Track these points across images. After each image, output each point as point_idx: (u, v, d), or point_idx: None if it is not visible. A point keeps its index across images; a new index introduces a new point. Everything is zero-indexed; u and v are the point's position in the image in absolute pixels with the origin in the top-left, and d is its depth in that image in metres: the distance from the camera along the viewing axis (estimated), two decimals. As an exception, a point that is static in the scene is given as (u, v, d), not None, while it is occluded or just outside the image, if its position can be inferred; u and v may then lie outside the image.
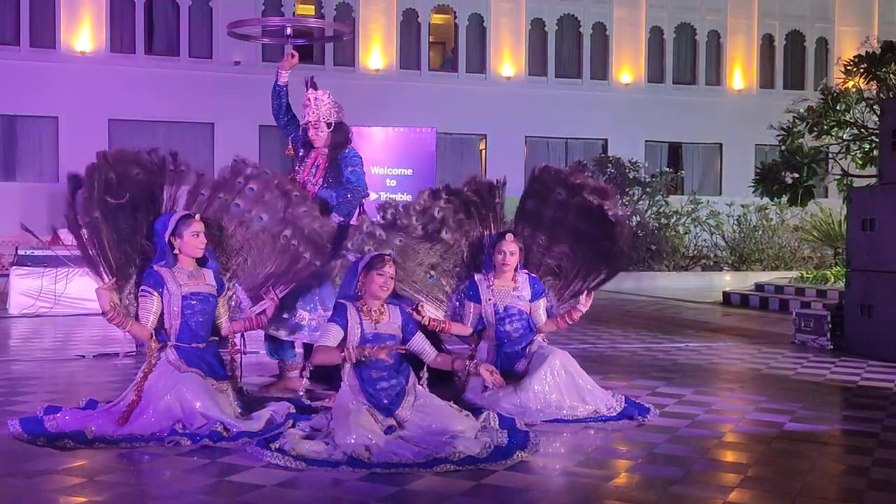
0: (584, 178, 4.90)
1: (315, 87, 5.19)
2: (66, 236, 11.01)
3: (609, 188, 4.91)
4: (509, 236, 4.63)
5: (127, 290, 4.14)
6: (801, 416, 4.58)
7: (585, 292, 4.63)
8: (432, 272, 4.79)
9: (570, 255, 4.83)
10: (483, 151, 19.71)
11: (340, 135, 5.11)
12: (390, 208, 4.84)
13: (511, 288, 4.64)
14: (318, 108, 5.12)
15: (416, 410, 3.88)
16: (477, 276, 4.69)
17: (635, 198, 16.70)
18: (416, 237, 4.77)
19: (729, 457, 3.86)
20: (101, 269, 4.06)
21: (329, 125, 5.07)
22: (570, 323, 4.75)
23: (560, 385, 4.38)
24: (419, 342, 4.10)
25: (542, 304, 4.72)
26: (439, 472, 3.40)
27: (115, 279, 4.03)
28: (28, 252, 9.92)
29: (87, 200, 4.03)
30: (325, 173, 5.02)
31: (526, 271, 4.73)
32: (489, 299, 4.62)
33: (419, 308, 4.38)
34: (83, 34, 17.15)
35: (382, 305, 4.00)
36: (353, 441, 3.57)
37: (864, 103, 9.78)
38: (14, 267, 9.80)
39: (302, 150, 5.17)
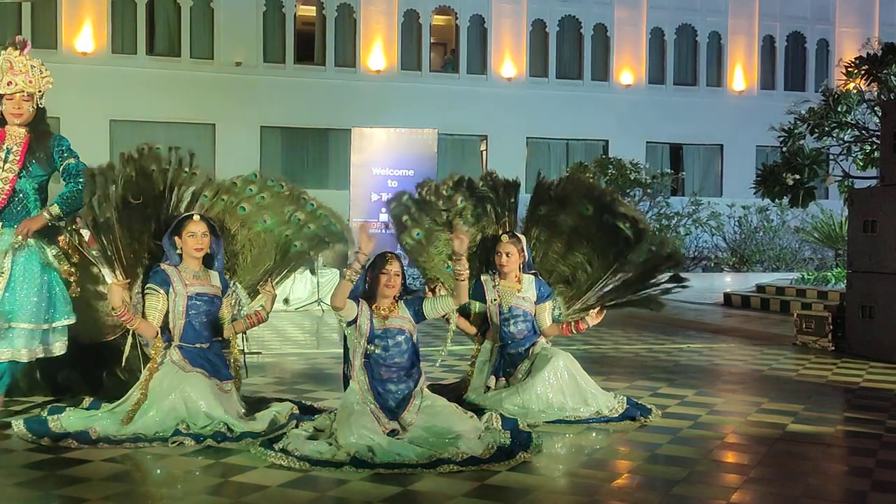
0: (622, 203, 4.89)
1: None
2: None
3: (643, 219, 4.90)
4: (505, 237, 4.64)
5: (135, 290, 4.16)
6: (804, 417, 4.58)
7: (598, 308, 4.63)
8: (449, 262, 4.82)
9: (586, 266, 4.83)
10: (484, 152, 19.73)
11: (44, 120, 4.38)
12: (426, 186, 4.87)
13: (516, 289, 4.65)
14: (37, 77, 4.28)
15: (420, 412, 3.89)
16: (483, 277, 4.71)
17: (636, 199, 16.72)
18: (440, 223, 4.81)
19: (731, 458, 3.87)
20: (115, 267, 4.09)
21: (38, 102, 4.31)
22: (575, 333, 4.77)
23: (562, 386, 4.39)
24: (430, 307, 4.05)
25: (547, 306, 4.73)
26: (443, 473, 3.41)
27: (128, 278, 4.06)
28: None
29: (102, 200, 4.06)
30: (25, 159, 4.20)
31: (534, 272, 4.74)
32: (494, 299, 4.63)
33: (436, 288, 4.41)
34: (85, 35, 17.17)
35: (393, 303, 4.00)
36: (354, 441, 3.58)
37: (865, 105, 9.78)
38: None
39: None
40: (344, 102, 17.89)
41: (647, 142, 20.10)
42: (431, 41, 19.60)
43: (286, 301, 4.83)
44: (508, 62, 19.53)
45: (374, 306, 3.96)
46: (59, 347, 4.18)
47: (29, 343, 4.06)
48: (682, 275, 4.95)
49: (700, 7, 20.60)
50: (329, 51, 18.59)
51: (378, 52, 18.78)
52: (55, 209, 4.19)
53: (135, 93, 16.88)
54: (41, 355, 4.13)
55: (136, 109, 17.07)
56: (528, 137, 19.71)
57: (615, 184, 16.29)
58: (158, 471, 3.46)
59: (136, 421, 3.86)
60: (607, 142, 19.90)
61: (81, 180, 4.20)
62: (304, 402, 4.61)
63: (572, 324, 4.70)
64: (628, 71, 20.20)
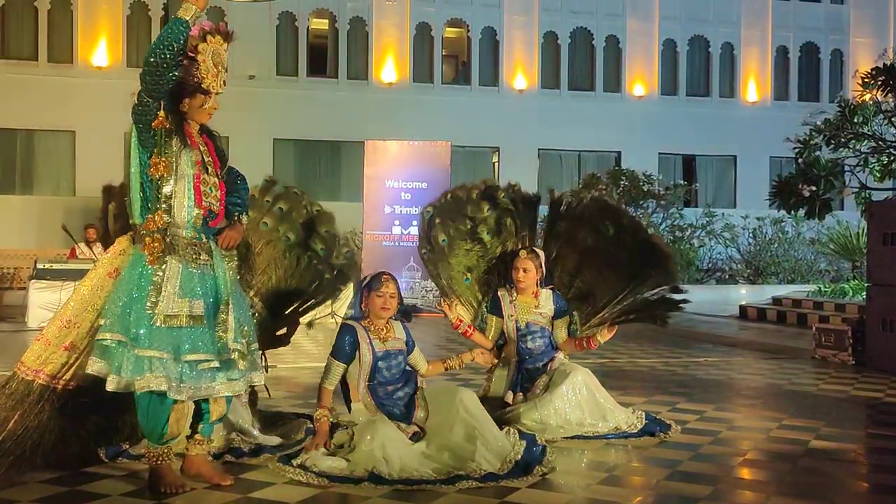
0: (643, 228, 4.92)
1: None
2: (82, 251, 11.12)
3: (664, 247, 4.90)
4: (523, 253, 4.63)
5: None
6: (826, 433, 4.53)
7: (609, 324, 4.64)
8: (468, 275, 4.85)
9: (603, 284, 4.82)
10: (496, 164, 19.72)
11: None
12: (460, 188, 4.97)
13: (533, 305, 4.63)
14: (224, 65, 3.44)
15: (429, 402, 3.93)
16: (500, 292, 4.70)
17: (649, 210, 16.65)
18: (464, 232, 4.85)
19: (753, 475, 3.82)
20: None
21: None
22: (588, 349, 4.75)
23: (581, 402, 4.36)
24: (416, 355, 4.13)
25: (564, 321, 4.72)
26: (462, 490, 3.38)
27: None
28: (47, 265, 9.98)
29: (117, 214, 4.07)
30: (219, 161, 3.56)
31: (551, 287, 4.72)
32: (511, 315, 4.61)
33: (451, 303, 4.43)
34: (100, 49, 17.31)
35: (388, 323, 4.04)
36: (366, 448, 3.57)
37: (881, 116, 9.72)
38: (33, 280, 9.87)
39: (172, 123, 3.37)
40: (356, 115, 17.94)
41: (660, 153, 20.04)
42: (443, 54, 19.64)
43: (309, 324, 4.80)
44: (520, 74, 19.54)
45: (370, 326, 3.99)
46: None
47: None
48: (694, 285, 4.93)
49: (712, 18, 20.56)
50: (342, 64, 18.66)
51: (390, 65, 18.84)
52: (245, 217, 3.65)
53: (149, 106, 16.98)
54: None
55: (151, 123, 17.16)
56: (540, 149, 19.69)
57: (628, 195, 16.26)
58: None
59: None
60: (620, 153, 19.85)
61: (246, 183, 3.74)
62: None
63: (585, 340, 4.69)
64: (640, 82, 20.18)
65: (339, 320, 10.28)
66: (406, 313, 4.30)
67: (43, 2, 17.01)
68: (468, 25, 19.39)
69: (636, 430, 4.35)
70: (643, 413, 4.57)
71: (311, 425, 4.15)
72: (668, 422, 4.55)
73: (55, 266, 10.00)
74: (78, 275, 9.55)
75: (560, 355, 4.67)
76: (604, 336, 4.60)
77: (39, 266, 10.01)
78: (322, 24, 18.88)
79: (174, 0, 17.66)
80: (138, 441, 3.73)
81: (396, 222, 11.98)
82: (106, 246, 4.02)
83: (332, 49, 18.80)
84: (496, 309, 4.66)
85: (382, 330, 3.99)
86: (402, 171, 12.36)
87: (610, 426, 4.34)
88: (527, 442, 3.91)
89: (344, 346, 3.94)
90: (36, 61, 17.06)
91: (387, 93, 18.67)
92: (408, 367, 4.06)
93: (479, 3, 19.28)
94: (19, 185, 17.26)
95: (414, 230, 11.84)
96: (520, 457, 3.72)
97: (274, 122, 17.93)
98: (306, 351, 7.76)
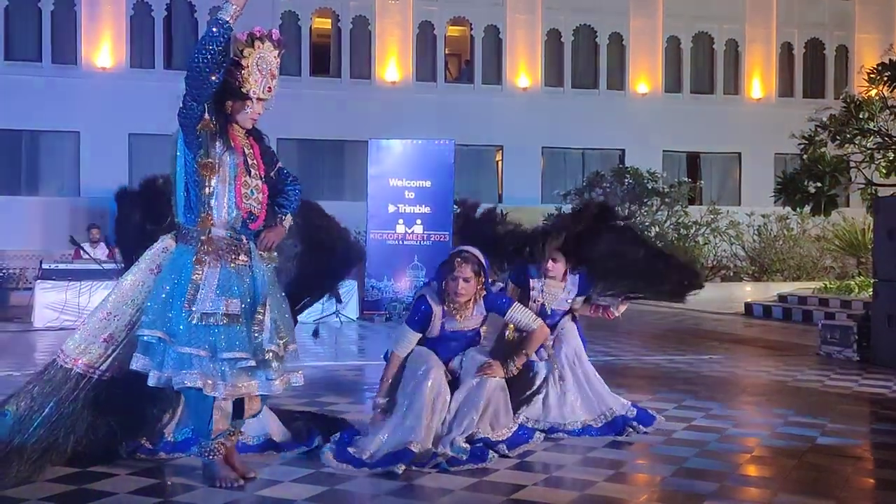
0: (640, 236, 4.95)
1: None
2: (86, 251, 11.14)
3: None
4: (554, 242, 4.65)
5: None
6: (831, 429, 4.52)
7: (622, 298, 4.72)
8: None
9: (614, 276, 4.84)
10: (499, 163, 19.72)
11: None
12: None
13: (560, 290, 4.62)
14: (272, 71, 3.51)
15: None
16: (532, 277, 4.60)
17: (654, 208, 16.63)
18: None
19: (760, 472, 3.82)
20: None
21: None
22: (604, 318, 4.80)
23: (577, 383, 4.40)
24: (518, 316, 4.02)
25: (581, 299, 4.75)
26: (468, 487, 3.40)
27: None
28: (52, 266, 10.02)
29: (125, 221, 4.10)
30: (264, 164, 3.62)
31: (580, 271, 4.73)
32: (537, 300, 4.59)
33: (493, 368, 4.04)
34: (104, 50, 17.34)
35: (468, 302, 3.93)
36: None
37: (887, 111, 9.68)
38: (38, 280, 9.91)
39: (216, 125, 3.45)
40: (359, 114, 17.94)
41: (664, 151, 19.99)
42: (446, 52, 19.63)
43: (315, 333, 4.76)
44: (524, 72, 19.52)
45: (448, 305, 3.92)
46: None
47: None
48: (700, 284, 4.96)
49: (716, 15, 20.50)
50: (344, 63, 18.67)
51: (393, 64, 18.84)
52: (289, 218, 3.65)
53: (153, 107, 16.94)
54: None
55: (155, 123, 17.05)
56: (543, 147, 19.66)
57: (632, 193, 16.24)
58: (182, 484, 3.45)
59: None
60: (624, 151, 19.82)
61: (299, 185, 3.73)
62: (325, 414, 4.61)
63: (602, 308, 4.76)
64: (644, 80, 20.14)
65: (343, 320, 10.29)
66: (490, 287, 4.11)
67: (46, 3, 17.06)
68: (471, 24, 19.38)
69: (633, 414, 4.38)
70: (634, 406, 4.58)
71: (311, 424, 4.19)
72: (651, 411, 4.54)
73: (60, 266, 10.04)
74: (83, 275, 9.65)
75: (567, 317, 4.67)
76: (617, 310, 4.71)
77: (45, 266, 10.05)
78: (325, 23, 18.89)
79: (177, 0, 17.72)
80: (158, 436, 3.79)
81: (400, 221, 11.98)
82: (122, 246, 4.14)
83: (335, 48, 18.81)
84: (522, 281, 4.59)
85: (461, 308, 3.91)
86: (405, 170, 12.36)
87: (602, 409, 4.36)
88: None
89: (415, 316, 3.94)
90: (40, 62, 17.10)
91: (390, 92, 18.68)
92: (474, 341, 4.05)
93: (481, 2, 19.27)
94: (24, 186, 17.30)
95: (418, 228, 11.87)
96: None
97: (277, 121, 17.77)
98: (311, 350, 7.77)
